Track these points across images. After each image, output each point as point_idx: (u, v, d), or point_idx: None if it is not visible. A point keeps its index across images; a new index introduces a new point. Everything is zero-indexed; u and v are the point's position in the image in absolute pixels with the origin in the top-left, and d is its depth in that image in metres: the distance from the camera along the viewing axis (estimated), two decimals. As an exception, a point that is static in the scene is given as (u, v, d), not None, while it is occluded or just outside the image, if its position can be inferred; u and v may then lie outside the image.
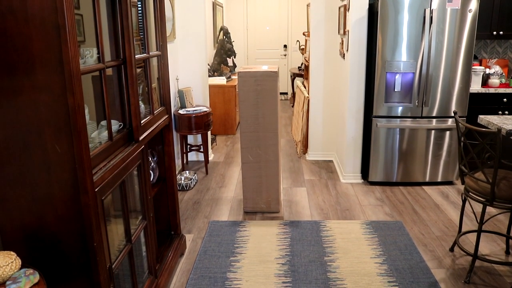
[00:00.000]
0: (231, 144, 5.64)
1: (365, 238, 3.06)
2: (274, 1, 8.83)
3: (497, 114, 4.13)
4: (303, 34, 7.05)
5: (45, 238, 1.55)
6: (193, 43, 4.52)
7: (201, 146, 4.63)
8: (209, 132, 4.69)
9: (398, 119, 3.90)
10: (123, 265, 1.93)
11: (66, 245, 1.55)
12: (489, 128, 2.63)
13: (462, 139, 2.53)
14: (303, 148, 5.08)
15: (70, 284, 1.60)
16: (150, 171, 2.43)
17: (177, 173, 3.79)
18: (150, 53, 2.25)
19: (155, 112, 2.32)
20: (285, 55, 9.13)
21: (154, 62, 2.43)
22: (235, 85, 5.92)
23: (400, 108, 3.88)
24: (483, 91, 4.14)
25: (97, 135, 1.77)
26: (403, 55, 3.73)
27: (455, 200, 3.74)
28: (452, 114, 3.79)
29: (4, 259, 1.40)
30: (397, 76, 3.79)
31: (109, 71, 1.80)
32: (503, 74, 4.38)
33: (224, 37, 6.53)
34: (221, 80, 6.02)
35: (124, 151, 1.84)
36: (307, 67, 5.53)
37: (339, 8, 4.38)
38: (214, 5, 7.05)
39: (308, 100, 4.84)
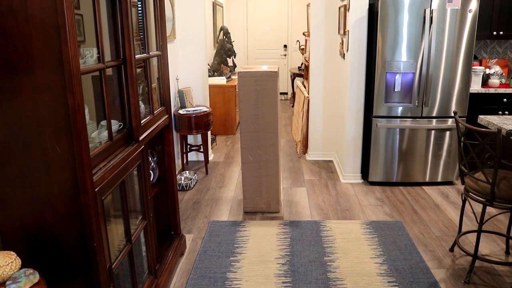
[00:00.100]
0: (231, 144, 5.64)
1: (365, 238, 3.06)
2: (274, 1, 8.84)
3: (497, 114, 4.13)
4: (303, 34, 7.05)
5: (45, 238, 1.55)
6: (193, 43, 4.52)
7: (201, 146, 4.63)
8: (209, 132, 4.69)
9: (398, 119, 3.90)
10: (123, 265, 1.93)
11: (66, 245, 1.55)
12: (489, 128, 2.63)
13: (462, 139, 2.53)
14: (303, 148, 5.08)
15: (70, 284, 1.60)
16: (150, 171, 2.43)
17: (177, 173, 3.79)
18: (150, 53, 2.25)
19: (155, 112, 2.32)
20: (285, 55, 9.13)
21: (154, 62, 2.43)
22: (235, 85, 5.92)
23: (400, 108, 3.88)
24: (483, 91, 4.14)
25: (97, 135, 1.77)
26: (403, 55, 3.73)
27: (455, 200, 3.74)
28: (452, 114, 3.79)
29: (4, 259, 1.40)
30: (397, 76, 3.79)
31: (109, 71, 1.80)
32: (503, 74, 4.38)
33: (224, 37, 6.53)
34: (221, 80, 6.02)
35: (124, 151, 1.84)
36: (307, 67, 5.53)
37: (339, 8, 4.38)
38: (214, 5, 7.05)
39: (308, 100, 4.84)
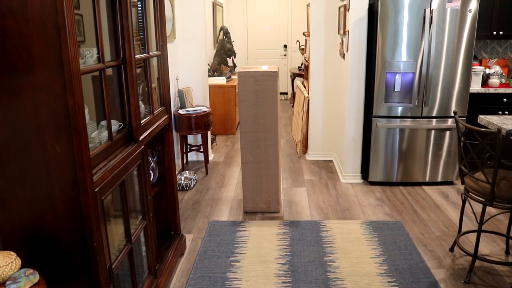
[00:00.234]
0: (231, 144, 5.64)
1: (365, 238, 3.06)
2: (274, 1, 8.83)
3: (497, 114, 4.13)
4: (303, 34, 7.05)
5: (45, 238, 1.55)
6: (193, 43, 4.52)
7: (201, 146, 4.63)
8: (209, 132, 4.69)
9: (398, 119, 3.90)
10: (123, 265, 1.93)
11: (66, 245, 1.55)
12: (489, 128, 2.63)
13: (462, 139, 2.53)
14: (303, 148, 5.08)
15: (70, 284, 1.60)
16: (150, 171, 2.43)
17: (177, 173, 3.79)
18: (150, 53, 2.25)
19: (155, 112, 2.32)
20: (285, 55, 9.13)
21: (154, 62, 2.43)
22: (235, 85, 5.92)
23: (400, 108, 3.88)
24: (483, 91, 4.14)
25: (97, 135, 1.77)
26: (403, 55, 3.73)
27: (455, 200, 3.74)
28: (452, 114, 3.79)
29: (4, 259, 1.40)
30: (397, 76, 3.79)
31: (109, 71, 1.80)
32: (503, 74, 4.38)
33: (224, 37, 6.53)
34: (221, 80, 6.02)
35: (124, 151, 1.84)
36: (307, 67, 5.53)
37: (339, 8, 4.38)
38: (214, 5, 7.05)
39: (308, 100, 4.84)
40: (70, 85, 1.36)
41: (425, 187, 4.02)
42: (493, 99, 4.15)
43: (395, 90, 3.82)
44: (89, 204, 1.48)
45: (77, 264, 1.56)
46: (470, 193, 2.58)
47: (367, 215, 3.46)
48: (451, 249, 2.90)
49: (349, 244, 2.97)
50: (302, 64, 7.71)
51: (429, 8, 3.61)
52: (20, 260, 1.45)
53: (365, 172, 4.14)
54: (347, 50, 4.02)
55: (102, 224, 1.58)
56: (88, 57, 1.62)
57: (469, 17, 3.66)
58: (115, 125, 1.85)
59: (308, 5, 6.99)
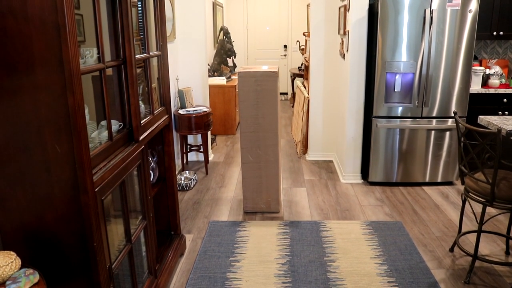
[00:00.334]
0: (231, 144, 5.64)
1: (365, 238, 3.06)
2: (274, 1, 8.83)
3: (497, 114, 4.13)
4: (303, 34, 7.05)
5: (45, 238, 1.55)
6: (193, 43, 4.51)
7: (201, 146, 4.63)
8: (209, 132, 4.69)
9: (398, 120, 3.90)
10: (123, 265, 1.93)
11: (66, 245, 1.55)
12: (489, 129, 2.63)
13: (462, 139, 2.53)
14: (303, 148, 5.08)
15: (70, 284, 1.60)
16: (150, 171, 2.43)
17: (177, 173, 3.79)
18: (150, 53, 2.25)
19: (155, 112, 2.32)
20: (285, 55, 9.13)
21: (154, 62, 2.43)
22: (235, 85, 5.92)
23: (400, 109, 3.88)
24: (483, 92, 4.14)
25: (97, 135, 1.77)
26: (403, 55, 3.73)
27: (455, 200, 3.74)
28: (452, 115, 3.79)
29: (4, 259, 1.39)
30: (397, 77, 3.79)
31: (109, 71, 1.80)
32: (503, 74, 4.38)
33: (224, 37, 6.53)
34: (221, 80, 6.02)
35: (124, 151, 1.84)
36: (307, 67, 5.53)
37: (339, 8, 4.38)
38: (214, 5, 7.05)
39: (308, 100, 4.84)
40: (70, 85, 1.36)
41: (425, 188, 4.02)
42: (493, 99, 4.15)
43: (395, 90, 3.82)
44: (89, 204, 1.48)
45: (77, 264, 1.56)
46: (470, 194, 2.58)
47: (367, 215, 3.46)
48: (451, 250, 2.90)
49: (349, 244, 2.97)
50: (302, 64, 7.71)
51: (429, 9, 3.61)
52: (20, 260, 1.44)
53: (365, 172, 4.14)
54: (347, 50, 4.02)
55: (102, 224, 1.58)
56: (88, 57, 1.62)
57: (469, 17, 3.66)
58: (115, 125, 1.85)
59: (308, 5, 6.99)
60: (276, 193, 3.47)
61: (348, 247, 2.93)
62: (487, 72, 4.31)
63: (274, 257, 2.83)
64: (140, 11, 2.21)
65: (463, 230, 3.01)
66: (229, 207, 3.65)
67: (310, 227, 3.23)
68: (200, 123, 4.25)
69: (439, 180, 4.06)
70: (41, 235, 1.55)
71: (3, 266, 1.37)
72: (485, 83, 4.31)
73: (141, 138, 2.02)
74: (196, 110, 4.29)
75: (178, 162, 4.50)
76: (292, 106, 7.50)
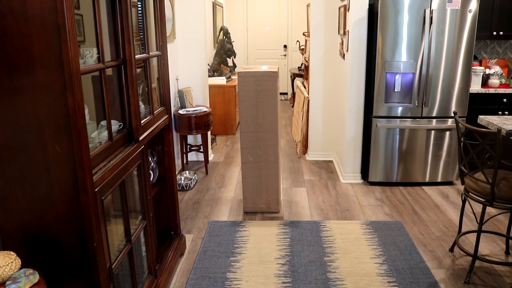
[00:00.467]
0: (231, 144, 5.64)
1: (365, 238, 3.06)
2: (274, 1, 8.83)
3: (497, 114, 4.13)
4: (303, 34, 7.05)
5: (45, 238, 1.55)
6: (193, 43, 4.52)
7: (201, 146, 4.63)
8: (209, 132, 4.69)
9: (398, 119, 3.90)
10: (123, 265, 1.93)
11: (66, 245, 1.55)
12: (489, 129, 2.63)
13: (462, 139, 2.53)
14: (303, 148, 5.08)
15: (70, 284, 1.60)
16: (150, 171, 2.43)
17: (177, 173, 3.79)
18: (150, 53, 2.25)
19: (155, 112, 2.32)
20: (285, 55, 9.13)
21: (154, 62, 2.43)
22: (235, 85, 5.92)
23: (400, 109, 3.88)
24: (483, 92, 4.14)
25: (97, 135, 1.77)
26: (403, 55, 3.73)
27: (455, 200, 3.74)
28: (452, 115, 3.79)
29: (4, 259, 1.40)
30: (397, 77, 3.79)
31: (109, 71, 1.80)
32: (503, 74, 4.38)
33: (224, 37, 6.53)
34: (221, 80, 6.02)
35: (124, 151, 1.84)
36: (307, 67, 5.53)
37: (339, 8, 4.38)
38: (214, 5, 7.05)
39: (308, 100, 4.84)
40: (70, 85, 1.36)
41: (425, 187, 4.02)
42: (493, 99, 4.15)
43: (395, 90, 3.82)
44: (89, 204, 1.48)
45: (77, 264, 1.56)
46: (470, 193, 2.58)
47: (367, 215, 3.46)
48: (451, 250, 2.90)
49: (349, 244, 2.97)
50: (302, 64, 7.71)
51: (429, 9, 3.61)
52: (20, 260, 1.44)
53: (365, 172, 4.14)
54: (347, 50, 4.02)
55: (102, 224, 1.58)
56: (88, 57, 1.62)
57: (469, 17, 3.66)
58: (115, 125, 1.85)
59: (308, 5, 6.99)
60: (276, 193, 3.47)
61: (348, 247, 2.93)
62: (487, 72, 4.31)
63: (274, 257, 2.83)
64: (140, 11, 2.21)
65: (463, 230, 3.01)
66: (229, 207, 3.65)
67: (310, 227, 3.23)
68: (200, 123, 4.25)
69: (439, 180, 4.06)
70: (41, 235, 1.55)
71: (3, 266, 1.37)
72: (485, 83, 4.31)
73: (141, 138, 2.02)
74: (196, 110, 4.29)
75: (178, 162, 4.50)
76: (292, 106, 7.50)
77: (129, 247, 1.91)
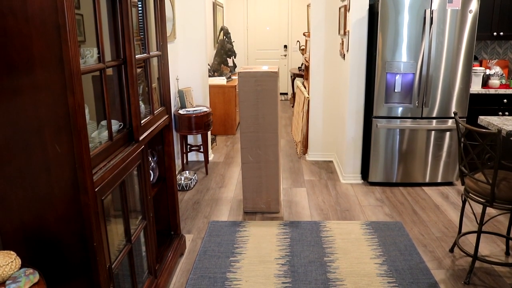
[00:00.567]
0: (231, 144, 5.64)
1: (365, 238, 3.06)
2: (274, 1, 8.83)
3: (497, 115, 4.12)
4: (303, 34, 7.06)
5: (45, 238, 1.55)
6: (193, 43, 4.52)
7: (201, 146, 4.63)
8: (209, 132, 4.69)
9: (398, 120, 3.90)
10: (123, 265, 1.93)
11: (66, 245, 1.55)
12: (489, 129, 2.63)
13: (462, 140, 2.53)
14: (303, 149, 5.08)
15: (70, 284, 1.60)
16: (150, 171, 2.43)
17: (177, 173, 3.79)
18: (151, 53, 2.25)
19: (155, 112, 2.32)
20: (285, 55, 9.13)
21: (154, 62, 2.43)
22: (235, 85, 5.92)
23: (400, 109, 3.88)
24: (483, 92, 4.14)
25: (97, 135, 1.77)
26: (403, 55, 3.73)
27: (455, 201, 3.74)
28: (452, 115, 3.79)
29: (4, 258, 1.39)
30: (397, 77, 3.79)
31: (109, 71, 1.80)
32: (503, 75, 4.38)
33: (224, 37, 6.53)
34: (221, 80, 6.02)
35: (124, 151, 1.84)
36: (307, 68, 5.53)
37: (340, 8, 4.38)
38: (214, 5, 7.05)
39: (308, 101, 4.84)
40: (70, 85, 1.36)
41: (425, 188, 4.02)
42: (493, 100, 4.15)
43: (395, 90, 3.82)
44: (89, 204, 1.48)
45: (77, 264, 1.56)
46: (470, 194, 2.58)
47: (367, 215, 3.46)
48: (451, 250, 2.90)
49: (349, 245, 2.97)
50: (302, 64, 7.71)
51: (429, 9, 3.61)
52: (20, 260, 1.44)
53: (365, 172, 4.14)
54: (348, 50, 4.02)
55: (102, 224, 1.58)
56: (89, 57, 1.62)
57: (470, 17, 3.66)
58: (115, 125, 1.85)
59: (308, 6, 6.99)
60: (276, 193, 3.47)
61: (348, 248, 2.93)
62: (487, 73, 4.31)
63: (274, 257, 2.83)
64: (140, 11, 2.21)
65: (463, 230, 3.01)
66: (229, 207, 3.65)
67: (310, 227, 3.23)
68: (200, 123, 4.25)
69: (439, 180, 4.06)
70: (41, 235, 1.55)
71: (3, 266, 1.37)
72: (485, 83, 4.31)
73: (141, 138, 2.02)
74: (196, 110, 4.29)
75: (178, 162, 4.50)
76: (292, 106, 7.50)
77: (129, 247, 1.91)
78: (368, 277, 2.59)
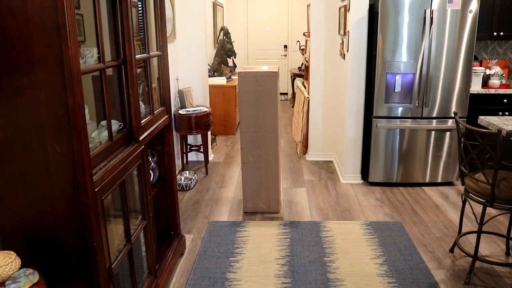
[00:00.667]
0: (231, 144, 5.64)
1: (365, 238, 3.06)
2: (274, 1, 8.84)
3: (497, 115, 4.12)
4: (303, 34, 7.06)
5: (45, 238, 1.55)
6: (193, 43, 4.52)
7: (201, 146, 4.63)
8: (209, 132, 4.69)
9: (398, 120, 3.90)
10: (123, 265, 1.93)
11: (66, 245, 1.55)
12: (489, 129, 2.63)
13: (462, 140, 2.53)
14: (303, 149, 5.08)
15: (70, 284, 1.60)
16: (150, 171, 2.43)
17: (177, 173, 3.79)
18: (151, 53, 2.25)
19: (155, 112, 2.32)
20: (285, 55, 9.13)
21: (154, 62, 2.43)
22: (235, 85, 5.92)
23: (400, 109, 3.88)
24: (483, 92, 4.14)
25: (97, 135, 1.77)
26: (404, 55, 3.73)
27: (455, 201, 3.74)
28: (452, 115, 3.79)
29: (4, 258, 1.39)
30: (397, 77, 3.79)
31: (109, 71, 1.80)
32: (503, 75, 4.38)
33: (224, 37, 6.53)
34: (221, 80, 6.02)
35: (124, 151, 1.84)
36: (307, 68, 5.53)
37: (340, 8, 4.38)
38: (214, 5, 7.05)
39: (308, 101, 4.84)
40: (70, 85, 1.36)
41: (425, 188, 4.02)
42: (493, 100, 4.15)
43: (395, 90, 3.82)
44: (89, 204, 1.48)
45: (77, 264, 1.56)
46: (470, 194, 2.58)
47: (367, 215, 3.46)
48: (451, 250, 2.90)
49: (349, 245, 2.97)
50: (302, 64, 7.71)
51: (429, 9, 3.61)
52: (20, 260, 1.44)
53: (365, 172, 4.14)
54: (348, 50, 4.02)
55: (102, 224, 1.58)
56: (89, 57, 1.62)
57: (470, 17, 3.66)
58: (115, 125, 1.85)
59: (308, 6, 6.99)
60: (276, 193, 3.47)
61: (348, 248, 2.93)
62: (487, 73, 4.31)
63: (274, 257, 2.83)
64: (140, 11, 2.21)
65: (463, 230, 3.01)
66: (229, 207, 3.65)
67: (310, 228, 3.23)
68: (200, 123, 4.25)
69: (439, 180, 4.06)
70: (41, 235, 1.55)
71: (3, 266, 1.37)
72: (485, 83, 4.31)
73: (141, 138, 2.02)
74: (196, 110, 4.29)
75: (178, 162, 4.50)
76: (292, 106, 7.50)
77: (129, 247, 1.91)
78: (368, 277, 2.59)
